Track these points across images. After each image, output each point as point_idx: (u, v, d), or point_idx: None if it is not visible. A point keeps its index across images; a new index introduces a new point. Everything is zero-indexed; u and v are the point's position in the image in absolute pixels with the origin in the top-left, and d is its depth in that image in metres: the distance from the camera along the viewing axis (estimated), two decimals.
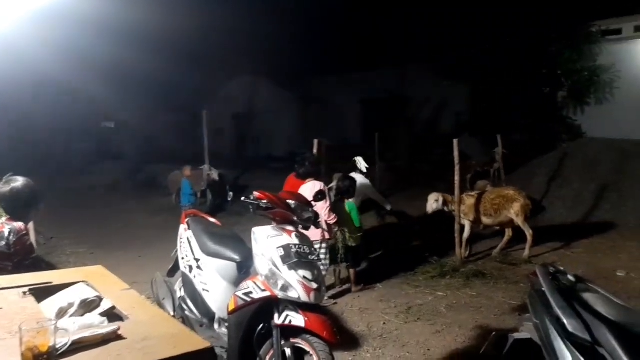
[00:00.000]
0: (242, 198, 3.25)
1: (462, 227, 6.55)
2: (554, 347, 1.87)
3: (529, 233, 6.43)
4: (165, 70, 17.07)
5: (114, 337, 1.63)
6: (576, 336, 1.81)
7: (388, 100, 18.33)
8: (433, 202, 6.65)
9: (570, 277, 2.19)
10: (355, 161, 6.72)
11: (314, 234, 5.01)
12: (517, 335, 2.20)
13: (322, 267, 5.17)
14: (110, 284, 2.20)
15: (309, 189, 5.10)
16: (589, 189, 9.02)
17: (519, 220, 6.43)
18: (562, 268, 2.27)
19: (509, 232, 6.71)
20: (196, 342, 1.65)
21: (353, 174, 6.34)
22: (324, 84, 20.78)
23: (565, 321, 1.86)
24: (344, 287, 5.47)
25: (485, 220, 6.60)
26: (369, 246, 7.25)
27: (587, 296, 2.07)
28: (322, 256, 5.19)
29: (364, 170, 6.63)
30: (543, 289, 2.05)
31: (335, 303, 5.21)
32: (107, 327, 1.67)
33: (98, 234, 8.43)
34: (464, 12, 15.02)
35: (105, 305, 1.93)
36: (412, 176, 13.61)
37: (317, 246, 5.17)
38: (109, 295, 2.02)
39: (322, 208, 5.10)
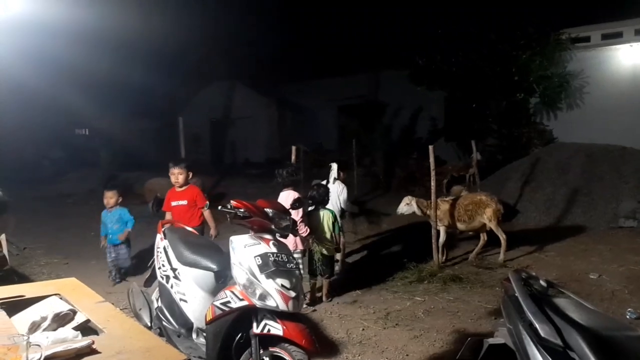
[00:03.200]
0: (219, 207, 3.24)
1: (439, 233, 6.63)
2: (527, 352, 1.91)
3: (502, 237, 6.55)
4: (141, 77, 16.89)
5: (88, 351, 1.61)
6: (548, 341, 1.85)
7: (364, 106, 18.47)
8: (404, 205, 6.75)
9: (542, 283, 2.24)
10: (330, 167, 6.71)
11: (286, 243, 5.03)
12: (491, 341, 2.24)
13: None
14: (84, 297, 2.16)
15: (285, 198, 5.08)
16: (560, 193, 9.24)
17: (492, 225, 6.54)
18: (534, 273, 2.33)
19: (483, 237, 6.82)
20: (171, 354, 1.64)
21: (331, 181, 6.34)
22: (300, 90, 20.84)
23: (537, 326, 1.90)
24: (318, 294, 5.47)
25: (460, 225, 6.69)
26: (349, 253, 7.32)
27: (559, 301, 2.12)
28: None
29: (331, 180, 6.46)
30: (516, 294, 2.10)
31: (315, 310, 5.21)
32: (81, 342, 1.65)
33: (72, 243, 8.25)
34: (438, 19, 15.28)
35: (79, 319, 1.91)
36: (389, 181, 13.74)
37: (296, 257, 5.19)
38: (83, 308, 2.00)
39: (297, 218, 5.12)
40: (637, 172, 9.19)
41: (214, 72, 20.25)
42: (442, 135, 16.14)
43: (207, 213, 5.28)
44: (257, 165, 17.67)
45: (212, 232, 5.33)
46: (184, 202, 5.22)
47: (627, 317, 4.66)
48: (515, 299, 2.10)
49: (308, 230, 5.24)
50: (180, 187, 5.25)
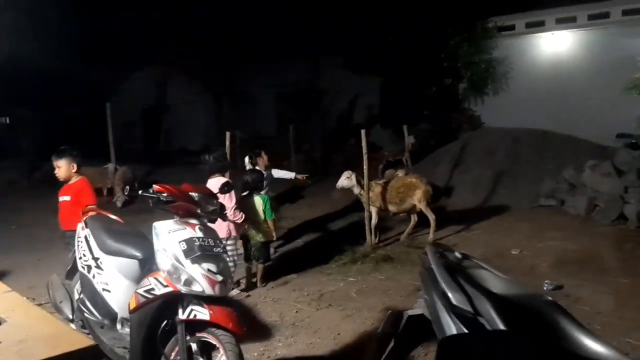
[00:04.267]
0: (140, 191, 3.12)
1: (371, 215, 6.77)
2: (440, 320, 1.99)
3: (431, 218, 6.78)
4: (66, 63, 15.96)
5: None
6: (459, 308, 1.94)
7: (302, 92, 18.45)
8: (344, 179, 6.86)
9: (457, 255, 2.34)
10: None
11: (220, 231, 4.96)
12: (410, 312, 2.32)
13: (230, 264, 5.15)
14: None
15: (214, 185, 4.90)
16: (487, 175, 9.68)
17: (421, 206, 6.76)
18: (450, 247, 2.42)
19: (414, 218, 7.04)
20: (78, 340, 1.58)
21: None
22: (237, 76, 20.48)
23: (449, 295, 1.99)
24: (253, 279, 5.45)
25: (391, 207, 6.86)
26: (286, 236, 7.35)
27: (472, 271, 2.22)
28: (229, 253, 5.15)
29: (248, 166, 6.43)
30: (432, 266, 2.18)
31: (249, 295, 5.18)
32: None
33: None
34: (372, 8, 15.45)
35: None
36: (327, 167, 13.83)
37: (227, 244, 5.13)
38: None
39: (228, 207, 5.04)
40: (557, 154, 9.78)
41: (148, 57, 19.44)
42: (378, 122, 16.43)
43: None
44: (193, 153, 17.23)
45: None
46: (67, 198, 4.47)
47: (545, 288, 4.99)
48: (430, 270, 2.18)
49: (243, 217, 5.18)
50: (65, 181, 4.54)
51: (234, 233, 5.17)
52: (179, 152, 18.56)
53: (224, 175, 5.28)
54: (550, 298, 1.98)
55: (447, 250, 2.37)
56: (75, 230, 3.85)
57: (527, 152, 10.09)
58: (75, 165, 4.48)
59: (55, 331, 1.64)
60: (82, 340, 1.58)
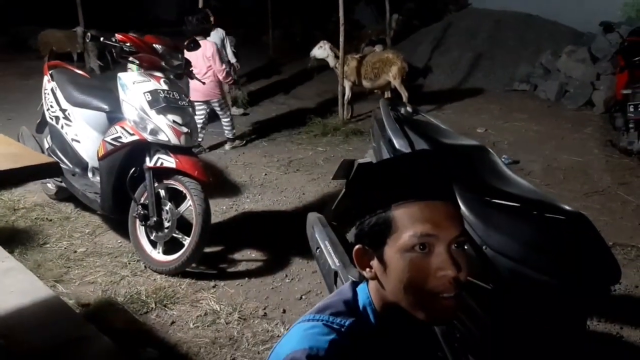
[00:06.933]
0: (101, 39, 3.08)
1: (345, 90, 6.80)
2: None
3: (404, 95, 6.83)
4: None
5: None
6: (401, 151, 2.09)
7: None
8: (317, 48, 6.87)
9: (409, 109, 2.46)
10: None
11: (208, 93, 5.12)
12: (360, 160, 2.48)
13: (226, 123, 5.42)
14: None
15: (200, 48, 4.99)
16: (466, 57, 9.59)
17: (396, 83, 6.77)
18: (403, 102, 2.52)
19: (387, 94, 7.08)
20: (40, 158, 1.68)
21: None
22: None
23: (394, 141, 2.13)
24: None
25: (365, 83, 6.86)
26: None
27: (419, 123, 2.36)
28: (220, 112, 5.47)
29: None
30: (381, 117, 2.30)
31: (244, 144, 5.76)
32: None
33: None
34: None
35: None
36: (307, 44, 13.44)
37: (215, 103, 5.32)
38: None
39: (219, 70, 5.15)
40: (538, 38, 9.65)
41: None
42: None
43: None
44: (168, 22, 16.44)
45: None
46: None
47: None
48: (380, 121, 2.30)
49: (232, 80, 5.57)
50: None
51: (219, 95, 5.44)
52: (153, 21, 17.65)
53: (205, 38, 5.21)
54: (481, 144, 2.15)
55: (399, 105, 2.48)
56: None
57: (508, 35, 9.91)
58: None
59: (18, 151, 1.74)
60: (44, 158, 1.69)
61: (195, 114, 5.18)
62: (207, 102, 5.33)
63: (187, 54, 4.95)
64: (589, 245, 1.66)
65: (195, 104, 5.11)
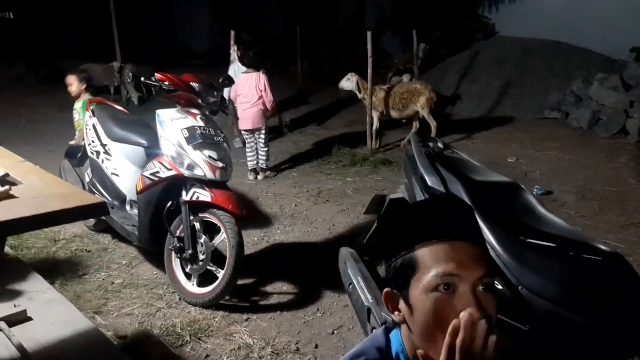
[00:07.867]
0: (142, 79, 3.23)
1: (373, 120, 6.87)
2: (416, 200, 2.18)
3: (433, 125, 6.85)
4: None
5: (6, 196, 1.71)
6: (434, 189, 2.11)
7: None
8: (345, 80, 7.04)
9: (440, 145, 2.49)
10: None
11: (257, 122, 5.66)
12: (392, 196, 2.50)
13: (263, 153, 5.77)
14: (3, 157, 2.22)
15: (246, 79, 5.58)
16: (494, 86, 9.58)
17: (424, 113, 6.81)
18: (433, 136, 2.56)
19: (416, 125, 7.11)
20: (88, 198, 1.77)
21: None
22: None
23: (426, 178, 2.16)
24: None
25: (394, 113, 6.93)
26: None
27: (451, 159, 2.38)
28: (262, 142, 5.80)
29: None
30: (413, 153, 2.33)
31: (275, 175, 5.95)
32: None
33: (1, 130, 7.97)
34: None
35: None
36: (334, 73, 13.65)
37: (262, 133, 5.76)
38: (2, 165, 2.06)
39: (269, 102, 5.64)
40: (567, 66, 9.58)
41: None
42: (389, 27, 15.89)
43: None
44: (199, 55, 16.98)
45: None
46: None
47: (535, 193, 5.20)
48: (412, 157, 2.33)
49: (277, 107, 6.13)
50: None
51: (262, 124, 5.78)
52: (185, 53, 18.22)
53: (259, 71, 5.68)
54: (514, 181, 2.16)
55: (430, 140, 2.51)
56: None
57: (537, 63, 9.88)
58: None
59: (68, 191, 1.83)
60: (92, 199, 1.77)
61: (247, 144, 5.84)
62: (253, 131, 5.69)
63: (241, 84, 5.50)
64: (624, 285, 1.64)
65: (244, 132, 5.79)
